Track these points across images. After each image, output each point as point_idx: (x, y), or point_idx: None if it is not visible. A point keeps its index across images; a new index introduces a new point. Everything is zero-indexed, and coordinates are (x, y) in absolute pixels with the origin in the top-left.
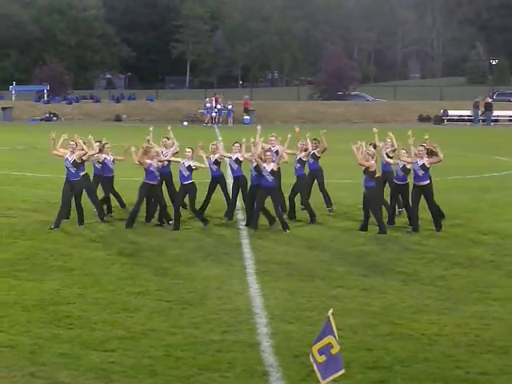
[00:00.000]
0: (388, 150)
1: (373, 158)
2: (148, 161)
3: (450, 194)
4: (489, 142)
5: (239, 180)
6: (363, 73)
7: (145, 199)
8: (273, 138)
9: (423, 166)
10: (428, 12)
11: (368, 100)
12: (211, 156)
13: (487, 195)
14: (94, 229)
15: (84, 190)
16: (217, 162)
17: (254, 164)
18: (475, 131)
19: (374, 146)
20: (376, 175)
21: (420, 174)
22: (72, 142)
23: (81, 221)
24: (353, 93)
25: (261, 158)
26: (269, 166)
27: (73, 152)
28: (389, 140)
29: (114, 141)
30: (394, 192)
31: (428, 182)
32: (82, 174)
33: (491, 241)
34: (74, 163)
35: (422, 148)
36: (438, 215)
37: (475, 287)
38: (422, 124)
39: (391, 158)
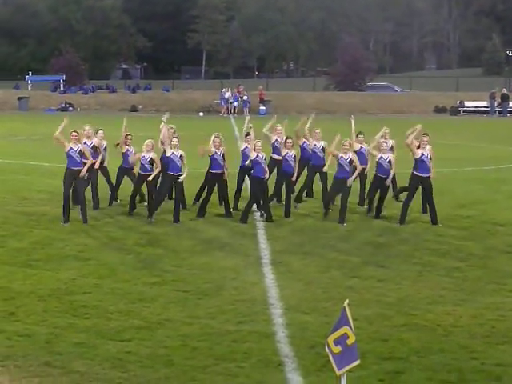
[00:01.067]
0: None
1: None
2: (213, 149)
3: (467, 185)
4: (505, 133)
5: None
6: (379, 64)
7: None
8: (279, 128)
9: (430, 158)
10: (444, 3)
11: (396, 90)
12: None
13: (503, 186)
14: (109, 219)
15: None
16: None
17: (262, 155)
18: (491, 122)
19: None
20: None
21: (430, 166)
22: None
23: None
24: (380, 83)
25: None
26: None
27: (77, 143)
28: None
29: (130, 131)
30: (376, 185)
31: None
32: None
33: (507, 232)
34: (80, 152)
35: (426, 138)
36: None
37: (491, 278)
38: (438, 115)
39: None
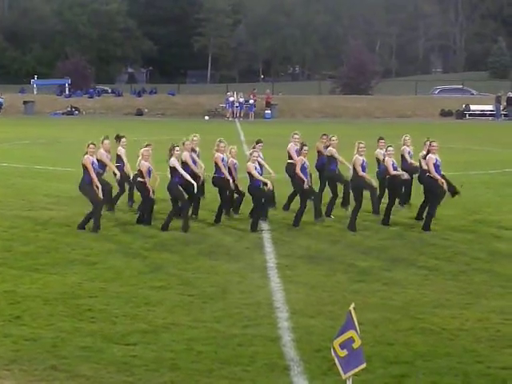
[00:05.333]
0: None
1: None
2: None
3: (472, 188)
4: (511, 137)
5: None
6: (385, 67)
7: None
8: (297, 136)
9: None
10: (451, 6)
11: (472, 94)
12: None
13: (509, 190)
14: (115, 222)
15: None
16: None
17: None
18: (497, 126)
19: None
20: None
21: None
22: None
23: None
24: (453, 86)
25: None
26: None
27: (94, 155)
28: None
29: (136, 135)
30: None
31: None
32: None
33: None
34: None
35: (436, 144)
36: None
37: (497, 282)
38: (443, 119)
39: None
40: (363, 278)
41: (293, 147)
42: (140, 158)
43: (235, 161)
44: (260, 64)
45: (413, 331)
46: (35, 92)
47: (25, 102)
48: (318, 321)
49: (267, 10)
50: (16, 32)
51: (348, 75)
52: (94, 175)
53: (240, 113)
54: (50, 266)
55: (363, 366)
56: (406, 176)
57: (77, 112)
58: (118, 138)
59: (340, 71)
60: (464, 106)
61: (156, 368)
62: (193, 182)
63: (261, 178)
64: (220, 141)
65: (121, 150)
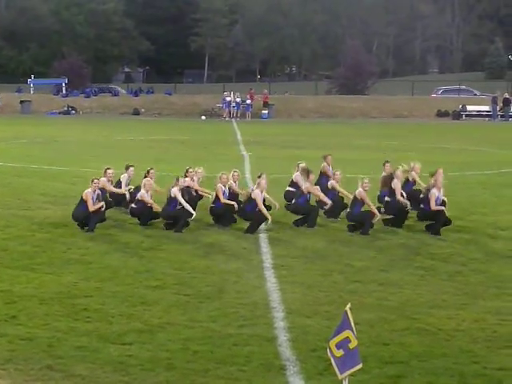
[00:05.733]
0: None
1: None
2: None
3: (469, 189)
4: (507, 138)
5: None
6: (382, 67)
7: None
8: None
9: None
10: (447, 7)
11: (475, 94)
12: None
13: (506, 191)
14: (111, 222)
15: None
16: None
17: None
18: (494, 126)
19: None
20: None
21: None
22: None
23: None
24: (454, 87)
25: None
26: None
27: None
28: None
29: (132, 135)
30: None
31: None
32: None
33: (509, 236)
34: (98, 197)
35: (442, 176)
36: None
37: (493, 282)
38: (440, 119)
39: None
40: (359, 278)
41: (299, 177)
42: (141, 187)
43: (235, 184)
44: (257, 64)
45: (409, 331)
46: (32, 91)
47: (21, 102)
48: (314, 321)
49: (264, 10)
50: (13, 31)
51: (345, 75)
52: (90, 206)
53: (237, 113)
54: (45, 266)
55: (359, 366)
56: (407, 205)
57: (73, 111)
58: (127, 167)
59: (337, 72)
60: (460, 106)
61: (152, 368)
62: (192, 211)
63: (265, 212)
64: (223, 173)
65: (124, 177)
